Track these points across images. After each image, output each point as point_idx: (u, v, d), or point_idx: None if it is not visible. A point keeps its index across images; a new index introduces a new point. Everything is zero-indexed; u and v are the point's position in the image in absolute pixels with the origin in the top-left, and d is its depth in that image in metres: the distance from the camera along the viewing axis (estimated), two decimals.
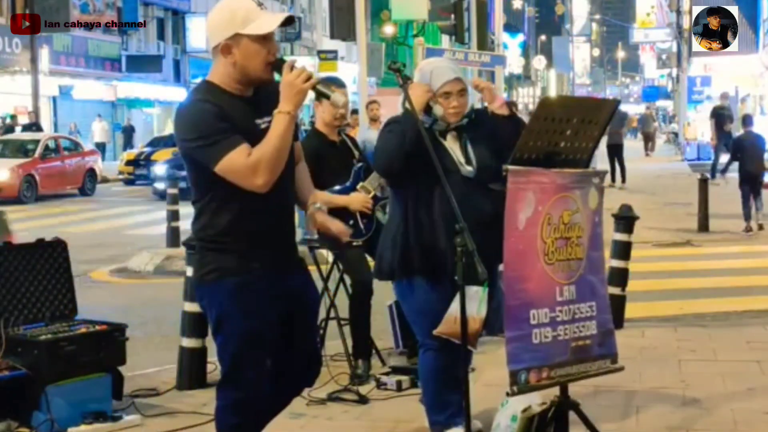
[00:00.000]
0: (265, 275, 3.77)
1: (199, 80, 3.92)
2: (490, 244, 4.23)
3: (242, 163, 3.54)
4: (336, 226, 4.05)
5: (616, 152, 23.04)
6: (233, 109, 3.64)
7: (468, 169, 4.66)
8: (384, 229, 5.00)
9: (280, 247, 3.85)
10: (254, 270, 3.74)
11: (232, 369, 3.84)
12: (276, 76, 3.73)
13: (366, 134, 12.85)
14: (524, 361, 4.03)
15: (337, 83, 6.32)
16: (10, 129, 26.85)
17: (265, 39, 3.63)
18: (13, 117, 28.65)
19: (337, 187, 6.10)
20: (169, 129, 32.67)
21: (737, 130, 16.45)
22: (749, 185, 14.06)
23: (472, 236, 4.01)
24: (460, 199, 4.20)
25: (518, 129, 4.54)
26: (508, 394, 4.07)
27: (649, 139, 40.07)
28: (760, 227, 13.94)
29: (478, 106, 5.11)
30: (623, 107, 31.78)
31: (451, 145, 4.70)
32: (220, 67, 3.68)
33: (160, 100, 39.89)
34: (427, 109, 4.68)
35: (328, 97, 3.81)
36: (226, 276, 3.73)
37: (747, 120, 15.78)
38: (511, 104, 4.84)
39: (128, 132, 35.52)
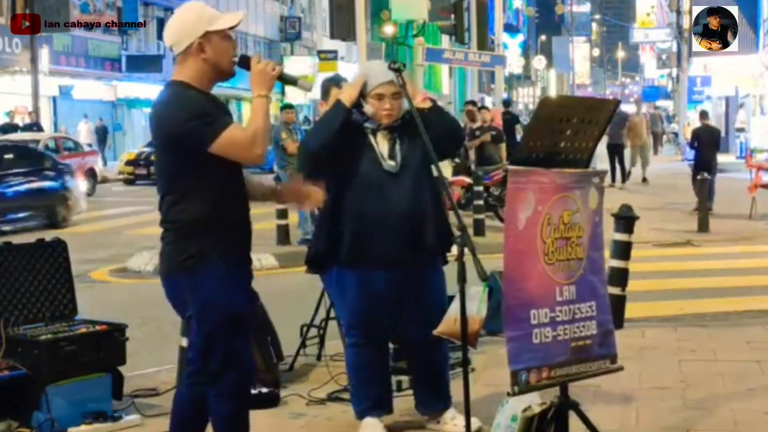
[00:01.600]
0: (243, 262, 3.97)
1: None
2: (410, 237, 4.79)
3: (242, 136, 3.80)
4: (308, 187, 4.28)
5: (616, 152, 23.10)
6: (212, 101, 3.95)
7: (390, 164, 4.89)
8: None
9: (247, 237, 4.04)
10: (234, 255, 3.91)
11: (227, 357, 3.90)
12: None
13: None
14: (524, 361, 4.02)
15: (339, 82, 6.32)
16: (12, 128, 26.71)
17: (229, 36, 3.95)
18: (10, 113, 28.41)
19: None
20: None
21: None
22: (706, 170, 16.19)
23: (387, 228, 4.72)
24: (378, 191, 4.76)
25: (442, 118, 4.98)
26: (509, 394, 4.07)
27: (657, 139, 40.04)
28: (709, 209, 15.56)
29: None
30: (622, 107, 31.74)
31: (380, 141, 4.92)
32: (191, 67, 3.92)
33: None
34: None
35: (295, 83, 4.15)
36: (207, 257, 3.84)
37: (704, 114, 19.19)
38: (433, 100, 5.16)
39: (101, 133, 34.73)
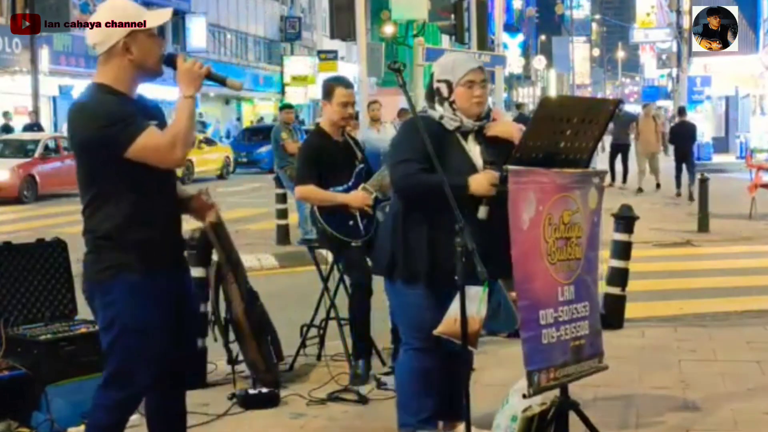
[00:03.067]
0: (163, 272, 3.81)
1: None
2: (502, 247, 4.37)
3: (160, 140, 3.67)
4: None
5: (621, 152, 23.00)
6: (131, 104, 3.80)
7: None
8: (384, 224, 4.98)
9: (174, 244, 3.93)
10: (153, 266, 3.76)
11: (123, 367, 3.82)
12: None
13: (366, 134, 12.88)
14: (536, 362, 4.03)
15: (344, 83, 6.32)
16: (7, 129, 26.64)
17: (155, 35, 3.82)
18: (6, 114, 28.32)
19: (339, 188, 6.10)
20: None
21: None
22: (684, 162, 19.80)
23: (490, 241, 4.19)
24: (480, 202, 4.38)
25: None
26: (525, 396, 4.06)
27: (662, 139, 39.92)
28: (691, 196, 17.77)
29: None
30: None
31: (471, 147, 4.66)
32: (114, 67, 3.81)
33: (159, 100, 39.85)
34: (441, 101, 4.66)
35: (224, 82, 4.07)
36: (125, 272, 3.73)
37: (682, 111, 22.54)
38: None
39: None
